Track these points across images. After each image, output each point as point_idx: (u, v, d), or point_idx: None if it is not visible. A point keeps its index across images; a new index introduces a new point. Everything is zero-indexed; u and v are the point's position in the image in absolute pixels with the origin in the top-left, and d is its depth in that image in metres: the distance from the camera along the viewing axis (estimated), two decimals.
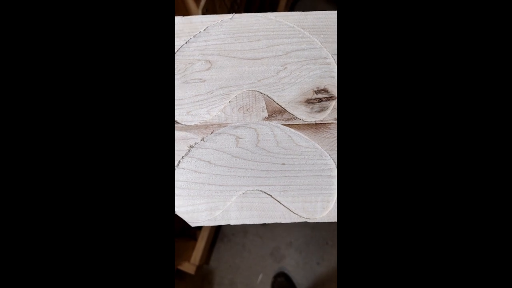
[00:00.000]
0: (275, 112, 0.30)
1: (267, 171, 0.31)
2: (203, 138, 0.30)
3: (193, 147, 0.30)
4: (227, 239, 1.12)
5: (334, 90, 0.29)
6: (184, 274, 1.01)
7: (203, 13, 0.75)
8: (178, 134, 0.30)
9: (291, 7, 1.24)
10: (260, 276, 1.09)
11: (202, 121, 0.30)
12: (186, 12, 0.77)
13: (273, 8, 1.17)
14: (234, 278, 1.10)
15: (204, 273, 1.10)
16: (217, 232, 1.13)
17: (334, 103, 0.30)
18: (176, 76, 0.29)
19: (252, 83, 0.29)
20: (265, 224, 1.05)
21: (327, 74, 0.29)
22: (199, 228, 1.01)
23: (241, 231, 1.11)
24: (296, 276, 1.08)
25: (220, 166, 0.31)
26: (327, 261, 1.07)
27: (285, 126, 0.30)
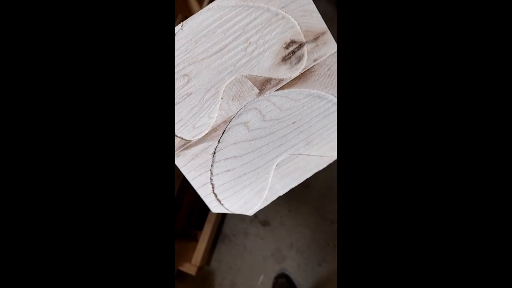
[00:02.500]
0: (263, 84, 0.32)
1: (284, 136, 0.33)
2: (218, 141, 0.32)
3: (215, 152, 0.32)
4: (228, 240, 1.13)
5: (300, 37, 0.31)
6: (185, 275, 1.03)
7: None
8: (196, 148, 0.32)
9: None
10: (261, 277, 1.09)
11: (209, 127, 0.32)
12: (189, 13, 0.78)
13: None
14: (235, 279, 1.11)
15: (205, 274, 1.11)
16: (218, 233, 1.13)
17: (305, 48, 0.31)
18: None
19: (230, 71, 0.31)
20: (266, 225, 1.06)
21: (287, 27, 0.31)
22: (200, 229, 1.02)
23: (242, 232, 1.11)
24: (297, 277, 1.08)
25: (245, 154, 0.33)
26: (328, 262, 1.07)
27: (278, 91, 0.32)
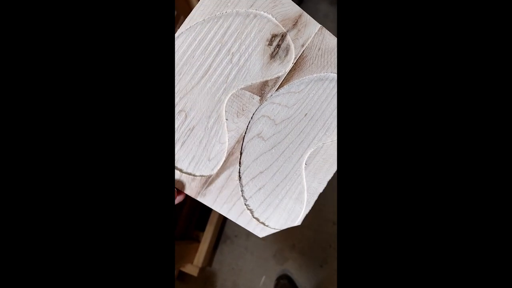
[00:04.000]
0: (262, 89, 0.30)
1: (302, 131, 0.31)
2: (239, 163, 0.30)
3: (240, 176, 0.30)
4: (230, 241, 1.11)
5: (279, 29, 0.29)
6: (186, 276, 1.02)
7: None
8: (219, 180, 0.30)
9: None
10: (263, 279, 1.08)
11: (225, 153, 0.30)
12: None
13: None
14: (237, 280, 1.10)
15: (207, 275, 1.10)
16: (220, 234, 1.12)
17: (288, 37, 0.30)
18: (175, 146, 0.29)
19: (225, 89, 0.29)
20: None
21: (263, 24, 0.29)
22: (202, 230, 1.01)
23: (244, 233, 1.11)
24: (299, 278, 1.07)
25: (271, 165, 0.31)
26: (330, 263, 1.06)
27: (278, 90, 0.30)
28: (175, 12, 0.80)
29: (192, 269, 0.97)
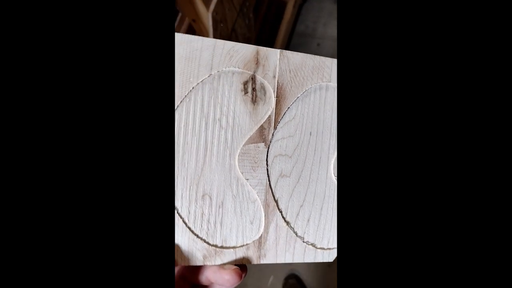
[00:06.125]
0: (261, 135, 0.30)
1: (315, 149, 0.31)
2: (279, 210, 0.30)
3: (286, 221, 0.30)
4: None
5: (246, 75, 0.30)
6: None
7: (213, 17, 0.75)
8: (270, 236, 0.30)
9: (298, 8, 1.22)
10: (271, 278, 1.09)
11: (261, 209, 0.30)
12: (196, 16, 0.77)
13: (281, 10, 1.12)
14: (245, 279, 1.05)
15: None
16: None
17: (258, 77, 0.30)
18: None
19: (230, 154, 0.29)
20: None
21: (230, 78, 0.29)
22: None
23: None
24: (307, 278, 1.07)
25: (306, 194, 0.31)
26: None
27: (276, 128, 0.30)
28: (179, 14, 0.81)
29: None
